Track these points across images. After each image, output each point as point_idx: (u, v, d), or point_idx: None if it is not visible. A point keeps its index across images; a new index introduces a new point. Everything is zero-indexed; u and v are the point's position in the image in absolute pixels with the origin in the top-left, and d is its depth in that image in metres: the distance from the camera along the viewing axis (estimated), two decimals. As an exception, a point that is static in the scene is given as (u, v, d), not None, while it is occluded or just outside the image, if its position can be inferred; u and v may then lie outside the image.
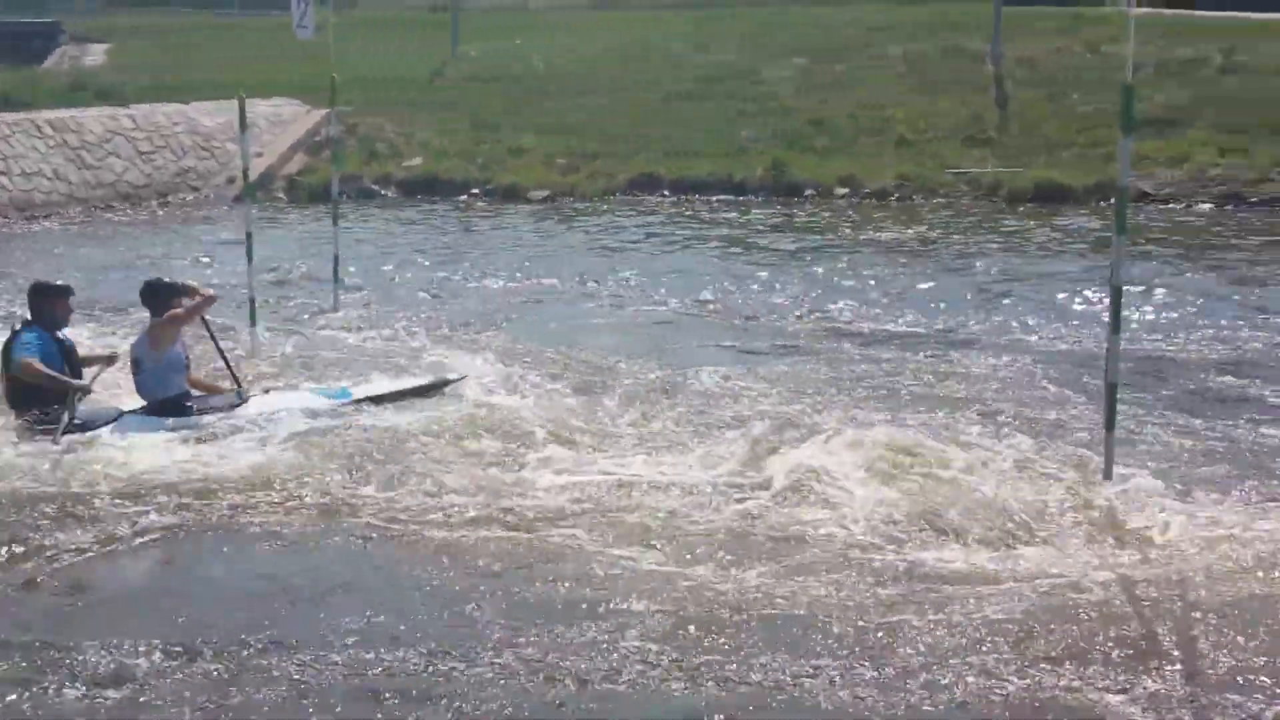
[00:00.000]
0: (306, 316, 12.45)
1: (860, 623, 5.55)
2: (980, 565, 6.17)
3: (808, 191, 20.92)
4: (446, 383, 9.20)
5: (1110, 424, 7.09)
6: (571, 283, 14.09)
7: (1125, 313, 10.85)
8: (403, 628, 5.58)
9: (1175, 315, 11.78)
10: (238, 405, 8.51)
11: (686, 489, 7.15)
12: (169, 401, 8.36)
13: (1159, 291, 12.77)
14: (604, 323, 12.14)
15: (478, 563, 6.25)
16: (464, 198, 21.26)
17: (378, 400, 8.76)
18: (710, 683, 5.07)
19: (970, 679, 5.07)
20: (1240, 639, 5.35)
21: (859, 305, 12.55)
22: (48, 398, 8.13)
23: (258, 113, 23.25)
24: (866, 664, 5.20)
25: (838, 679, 5.09)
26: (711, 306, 12.74)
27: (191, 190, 21.61)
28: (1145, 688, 4.99)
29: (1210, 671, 5.12)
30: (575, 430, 8.16)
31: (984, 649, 5.31)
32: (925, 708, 4.90)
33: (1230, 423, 8.39)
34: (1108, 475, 7.09)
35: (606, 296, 13.39)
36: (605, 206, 20.37)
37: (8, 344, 8.30)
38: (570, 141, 23.26)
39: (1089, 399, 8.72)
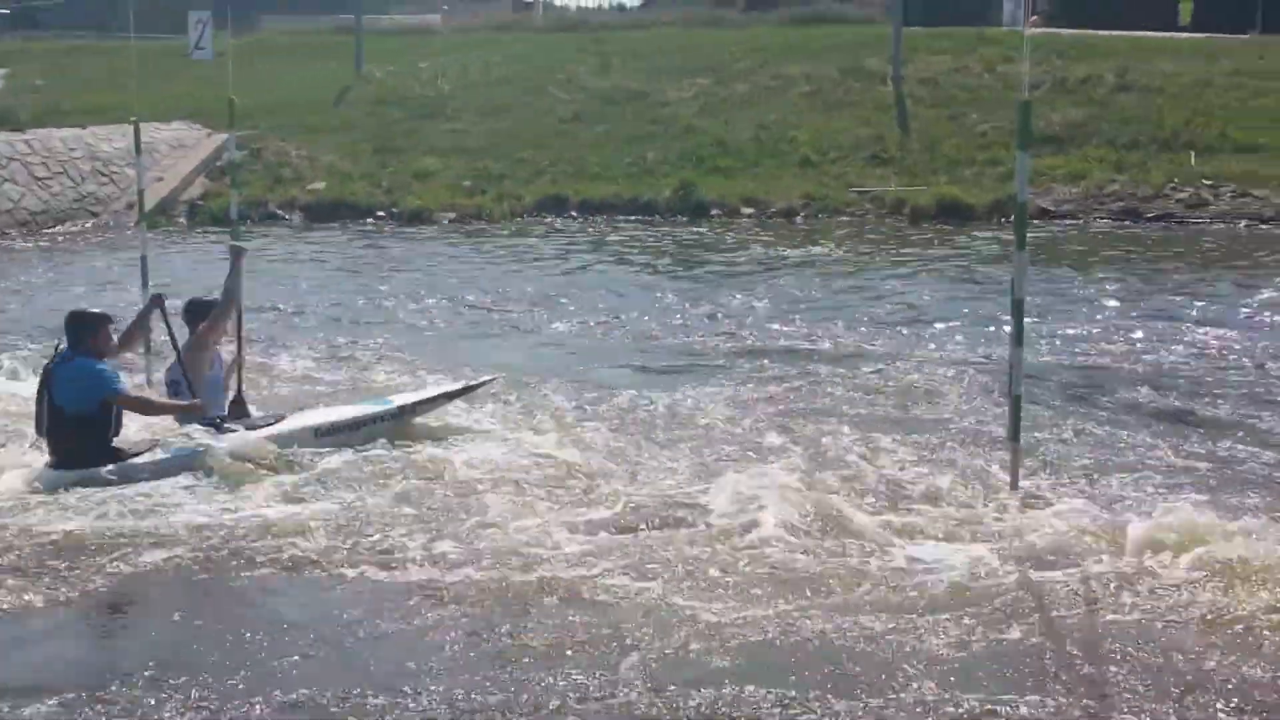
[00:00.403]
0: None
1: (756, 635, 5.55)
2: (885, 571, 6.20)
3: (714, 212, 21.06)
4: (480, 385, 9.24)
5: (1015, 434, 7.18)
6: (488, 305, 13.95)
7: (1028, 326, 11.10)
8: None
9: (1077, 327, 11.98)
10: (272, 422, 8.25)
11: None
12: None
13: (1061, 305, 13.01)
14: (520, 343, 12.06)
15: (465, 605, 6.03)
16: (370, 221, 21.11)
17: (418, 407, 8.73)
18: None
19: (863, 687, 5.09)
20: (1142, 646, 5.42)
21: (771, 323, 12.59)
22: (97, 433, 7.64)
23: (158, 137, 22.92)
24: (760, 675, 5.19)
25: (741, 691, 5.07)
26: (627, 327, 12.66)
27: (91, 216, 21.20)
28: (1050, 699, 5.03)
29: (1113, 678, 5.18)
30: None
31: (884, 653, 5.34)
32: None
33: (1134, 430, 8.53)
34: (1014, 485, 7.17)
35: (520, 318, 13.27)
36: (514, 228, 20.33)
37: (65, 377, 7.61)
38: (476, 163, 23.20)
39: (994, 410, 8.83)
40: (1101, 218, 19.65)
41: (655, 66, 27.83)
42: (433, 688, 5.13)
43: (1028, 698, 5.00)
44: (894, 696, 5.04)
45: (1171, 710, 4.91)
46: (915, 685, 5.11)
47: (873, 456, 8.01)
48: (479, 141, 24.33)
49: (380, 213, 21.44)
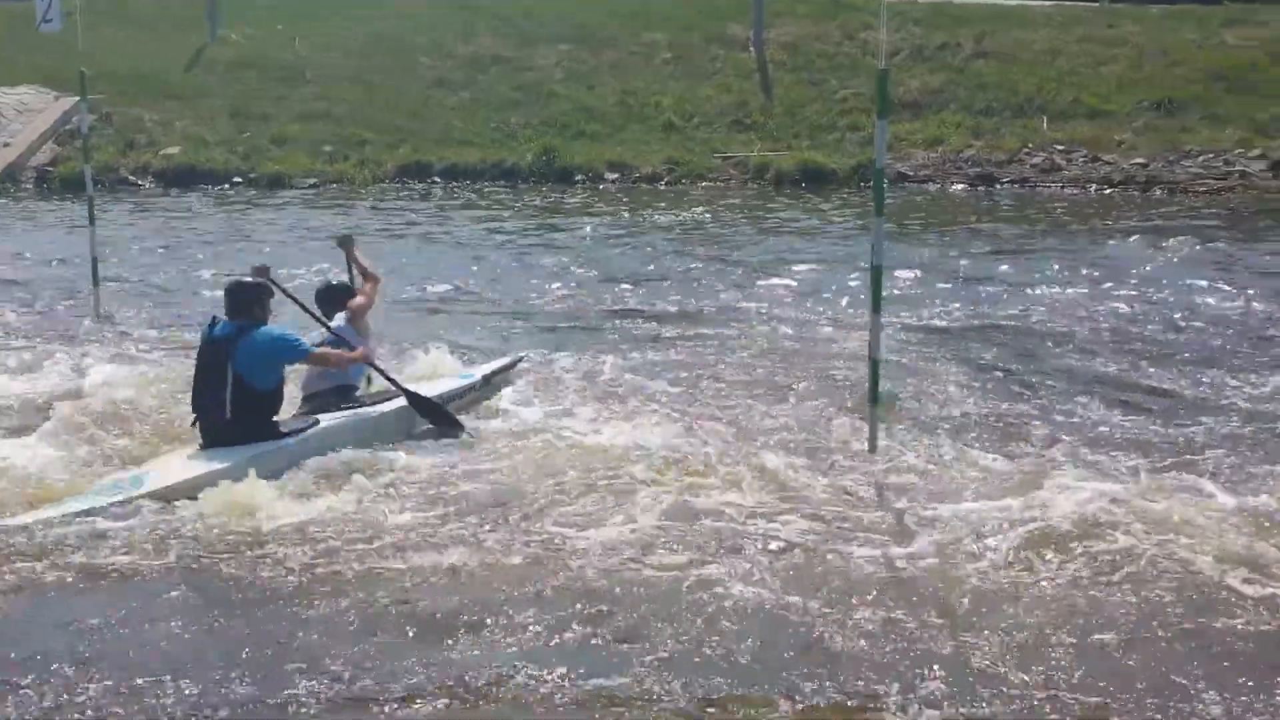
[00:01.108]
0: (63, 326, 11.35)
1: (601, 605, 5.58)
2: (746, 533, 6.27)
3: (578, 177, 21.05)
4: (517, 362, 9.37)
5: (874, 398, 7.31)
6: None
7: (893, 290, 11.35)
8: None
9: (936, 290, 12.22)
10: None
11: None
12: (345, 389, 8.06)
13: (920, 269, 13.25)
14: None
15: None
16: (226, 187, 20.67)
17: (493, 377, 8.89)
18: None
19: (711, 647, 5.16)
20: (998, 606, 5.57)
21: (636, 287, 12.64)
22: (274, 406, 7.43)
23: (3, 102, 22.17)
24: (600, 638, 5.24)
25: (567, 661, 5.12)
26: (489, 293, 12.61)
27: (-67, 184, 20.46)
28: (901, 653, 5.16)
29: (972, 640, 5.32)
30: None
31: (741, 616, 5.42)
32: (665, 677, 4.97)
33: (990, 392, 8.73)
34: (872, 448, 7.30)
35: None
36: (375, 194, 20.09)
37: (251, 348, 7.21)
38: (337, 129, 22.85)
39: (854, 374, 8.96)
40: (958, 182, 20.06)
41: (522, 31, 27.60)
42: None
43: (890, 652, 5.12)
44: (695, 649, 5.12)
45: (1018, 666, 5.07)
46: (716, 639, 5.20)
47: (733, 418, 8.10)
48: (341, 107, 23.93)
49: (237, 179, 21.01)
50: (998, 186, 19.78)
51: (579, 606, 5.51)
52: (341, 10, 29.65)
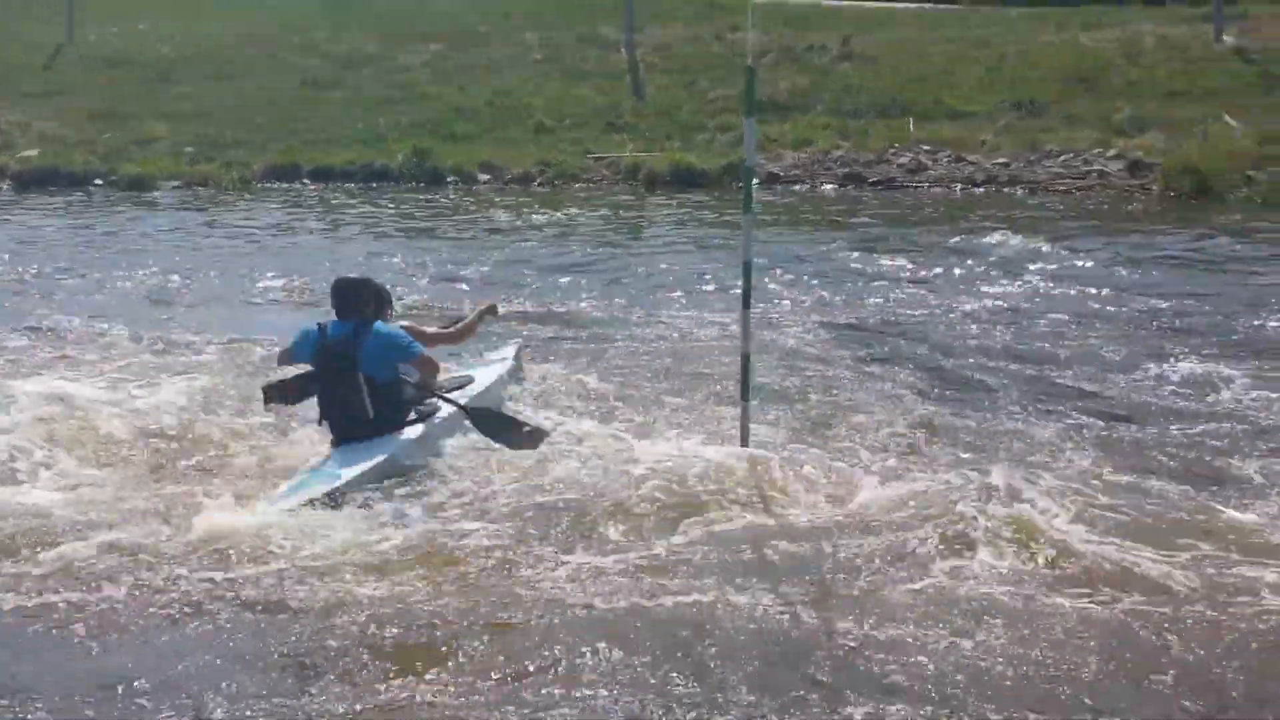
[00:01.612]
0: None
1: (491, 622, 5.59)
2: (625, 530, 6.31)
3: (450, 178, 20.91)
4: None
5: (745, 394, 7.38)
6: (209, 278, 13.52)
7: (759, 287, 11.46)
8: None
9: (804, 287, 12.37)
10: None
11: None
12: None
13: (793, 266, 13.41)
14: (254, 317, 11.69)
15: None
16: (90, 189, 20.16)
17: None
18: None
19: (585, 650, 5.19)
20: (867, 593, 5.68)
21: (515, 288, 12.63)
22: (401, 397, 7.49)
23: None
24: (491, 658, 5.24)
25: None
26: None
27: None
28: (769, 639, 5.23)
29: (849, 623, 5.41)
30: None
31: (600, 609, 5.46)
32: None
33: (855, 386, 8.87)
34: (744, 443, 7.37)
35: (250, 290, 12.87)
36: (242, 197, 19.75)
37: (375, 346, 7.34)
38: (203, 130, 22.43)
39: (726, 371, 9.03)
40: (827, 183, 20.30)
41: (390, 31, 27.39)
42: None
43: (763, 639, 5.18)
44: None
45: (885, 659, 5.17)
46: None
47: (602, 415, 8.14)
48: (207, 107, 23.51)
49: (98, 181, 20.51)
50: (866, 186, 20.07)
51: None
52: (207, 8, 29.17)
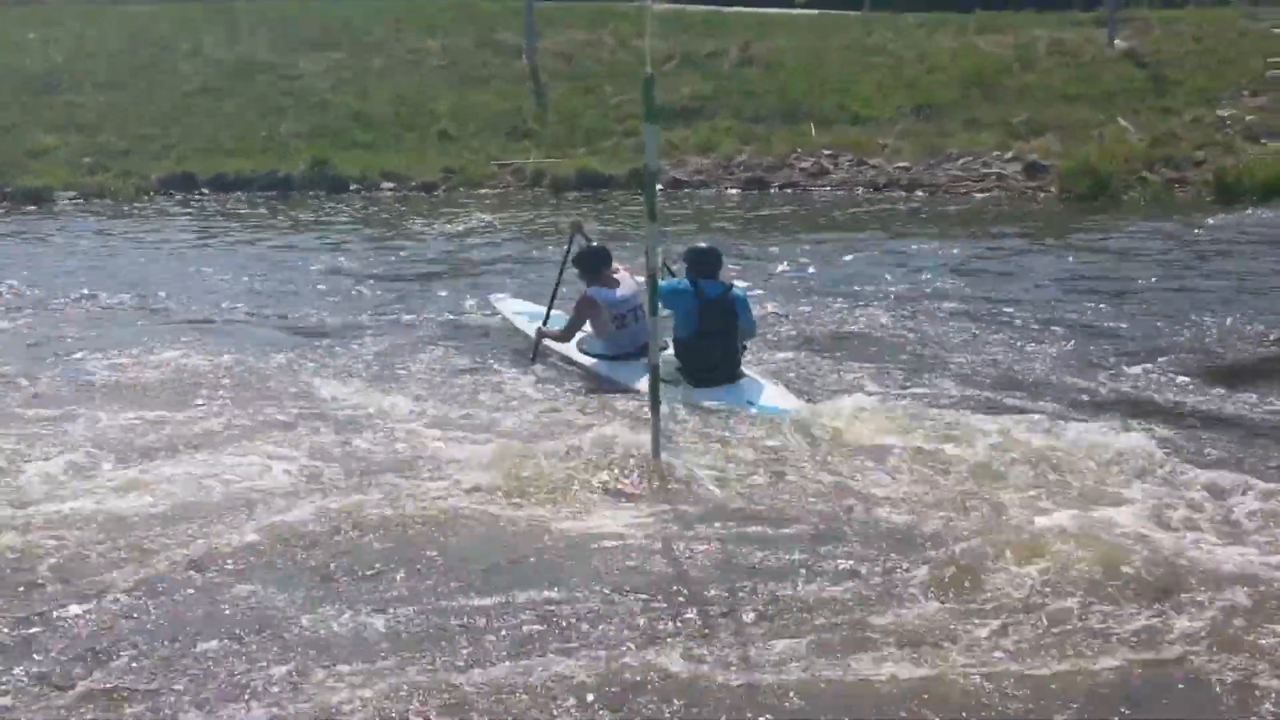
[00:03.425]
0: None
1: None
2: (538, 543, 6.27)
3: (354, 186, 20.70)
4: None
5: (655, 405, 7.34)
6: (120, 295, 12.99)
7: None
8: None
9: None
10: None
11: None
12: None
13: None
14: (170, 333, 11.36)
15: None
16: (-22, 203, 19.67)
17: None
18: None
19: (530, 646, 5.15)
20: (781, 598, 5.69)
21: (438, 293, 12.56)
22: None
23: None
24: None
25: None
26: (271, 310, 12.14)
27: None
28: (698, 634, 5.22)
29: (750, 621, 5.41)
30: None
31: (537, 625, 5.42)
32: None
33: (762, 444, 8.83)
34: (655, 454, 7.32)
35: (161, 307, 12.43)
36: (139, 207, 19.36)
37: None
38: (95, 140, 21.98)
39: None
40: (732, 187, 20.40)
41: (286, 37, 27.03)
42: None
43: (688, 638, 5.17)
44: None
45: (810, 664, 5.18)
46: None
47: (512, 427, 8.08)
48: (98, 117, 23.04)
49: (-10, 193, 20.02)
50: (770, 190, 20.20)
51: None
52: (95, 15, 28.58)
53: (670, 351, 8.96)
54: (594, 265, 9.56)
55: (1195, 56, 23.39)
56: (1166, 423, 8.08)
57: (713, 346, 8.76)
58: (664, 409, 7.36)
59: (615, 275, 9.60)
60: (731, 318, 8.80)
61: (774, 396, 8.50)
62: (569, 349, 9.66)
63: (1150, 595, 5.62)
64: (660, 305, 7.77)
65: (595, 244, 9.98)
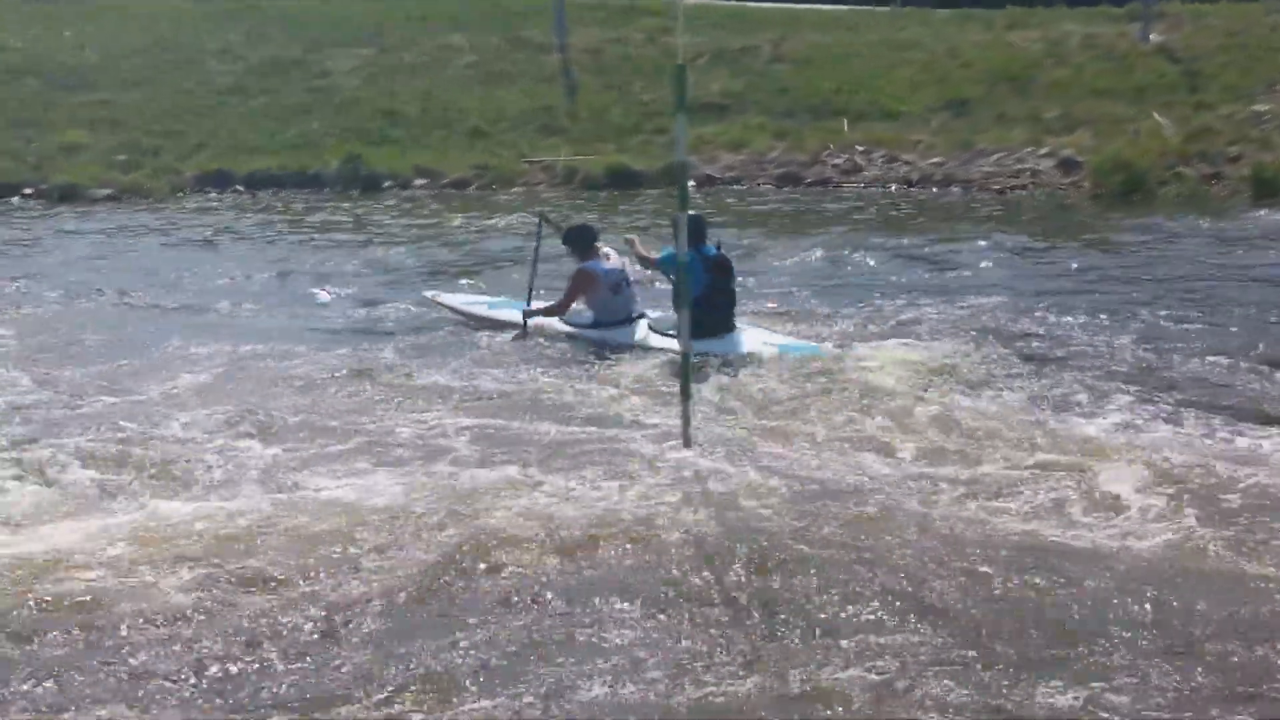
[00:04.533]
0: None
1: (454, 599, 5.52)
2: (568, 528, 6.26)
3: (386, 184, 20.76)
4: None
5: (686, 392, 7.34)
6: (151, 290, 12.97)
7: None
8: None
9: (755, 287, 12.30)
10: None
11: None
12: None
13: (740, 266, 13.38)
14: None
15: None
16: (15, 199, 19.81)
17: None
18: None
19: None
20: (812, 584, 5.66)
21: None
22: None
23: None
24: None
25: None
26: (325, 312, 12.06)
27: None
28: (741, 630, 5.20)
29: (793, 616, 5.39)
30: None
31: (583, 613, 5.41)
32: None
33: (794, 385, 8.82)
34: (686, 443, 7.32)
35: (187, 304, 12.48)
36: (176, 205, 19.48)
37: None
38: (127, 137, 22.11)
39: (669, 370, 8.99)
40: (764, 184, 20.37)
41: (315, 35, 27.15)
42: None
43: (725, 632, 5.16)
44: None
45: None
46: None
47: (551, 416, 8.08)
48: (130, 113, 23.19)
49: (27, 190, 20.16)
50: (802, 186, 20.16)
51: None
52: (127, 14, 28.76)
53: (654, 315, 10.18)
54: (586, 242, 10.30)
55: (1228, 51, 23.19)
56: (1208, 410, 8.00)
57: (720, 301, 9.73)
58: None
59: (604, 250, 10.34)
60: (730, 275, 9.90)
61: (776, 340, 9.68)
62: (561, 324, 10.27)
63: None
64: (661, 269, 9.62)
65: (583, 223, 10.99)
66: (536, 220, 11.02)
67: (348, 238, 16.48)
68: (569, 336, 10.18)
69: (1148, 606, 5.40)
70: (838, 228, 16.22)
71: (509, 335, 10.22)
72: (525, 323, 10.28)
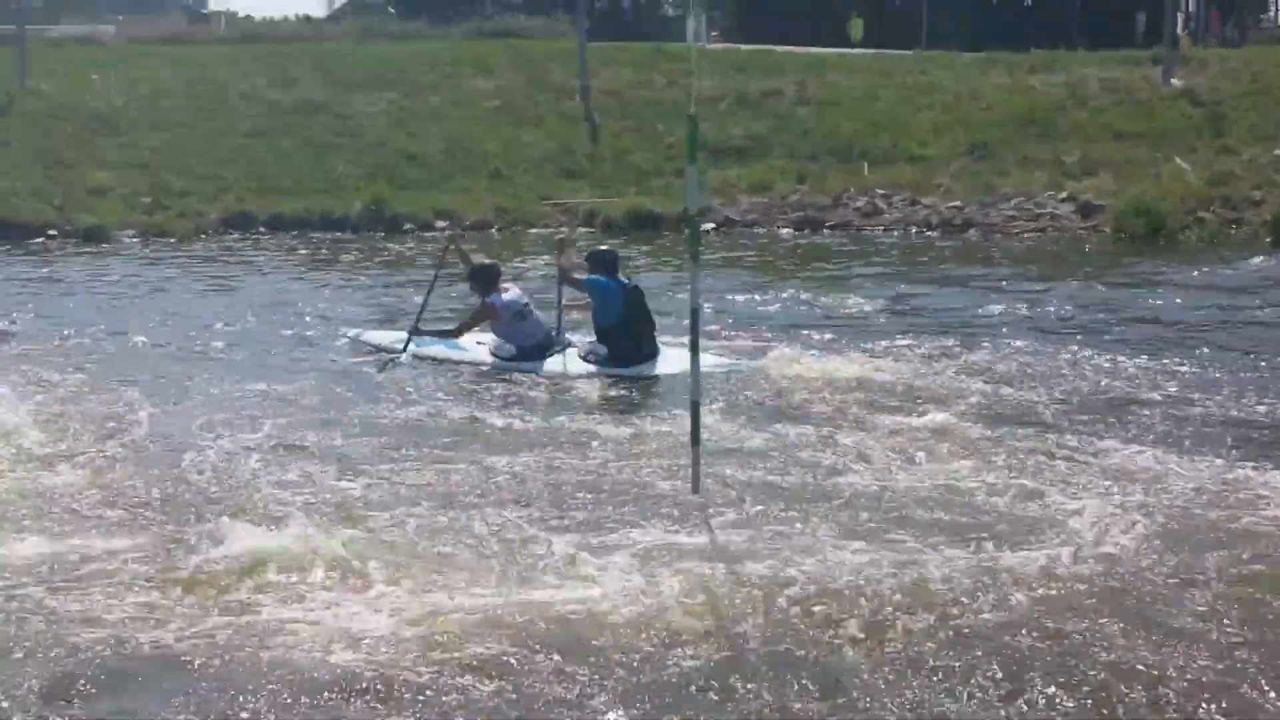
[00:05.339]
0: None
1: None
2: (566, 575, 6.24)
3: (407, 226, 20.86)
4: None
5: (695, 439, 7.33)
6: (179, 333, 12.95)
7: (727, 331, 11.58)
8: None
9: (766, 331, 12.29)
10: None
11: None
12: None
13: (747, 310, 13.40)
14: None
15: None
16: (40, 240, 19.98)
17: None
18: None
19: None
20: (810, 635, 5.63)
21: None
22: None
23: None
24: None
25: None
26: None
27: None
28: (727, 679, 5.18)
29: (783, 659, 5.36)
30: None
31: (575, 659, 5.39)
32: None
33: (804, 431, 8.78)
34: (695, 489, 7.31)
35: (226, 346, 12.49)
36: (201, 245, 19.58)
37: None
38: (153, 179, 22.30)
39: (678, 415, 8.96)
40: (784, 227, 20.40)
41: (340, 79, 27.42)
42: None
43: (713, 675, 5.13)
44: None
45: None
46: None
47: (561, 464, 8.07)
48: (156, 157, 23.37)
49: (53, 231, 20.32)
50: (823, 230, 20.18)
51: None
52: (153, 60, 29.11)
53: (577, 341, 10.96)
54: (490, 281, 11.18)
55: (1251, 96, 23.18)
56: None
57: (638, 329, 10.60)
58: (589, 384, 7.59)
59: (504, 285, 11.28)
60: (645, 304, 10.73)
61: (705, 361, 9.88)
62: (489, 357, 10.92)
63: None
64: (586, 295, 10.71)
65: (489, 262, 11.91)
66: (445, 243, 11.87)
67: (365, 278, 16.57)
68: (498, 370, 10.68)
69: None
70: (851, 267, 16.24)
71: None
72: (409, 340, 11.08)
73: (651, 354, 10.64)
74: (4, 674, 5.34)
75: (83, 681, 5.30)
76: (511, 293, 11.17)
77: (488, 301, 11.03)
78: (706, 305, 10.91)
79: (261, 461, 8.15)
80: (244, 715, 5.06)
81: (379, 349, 11.42)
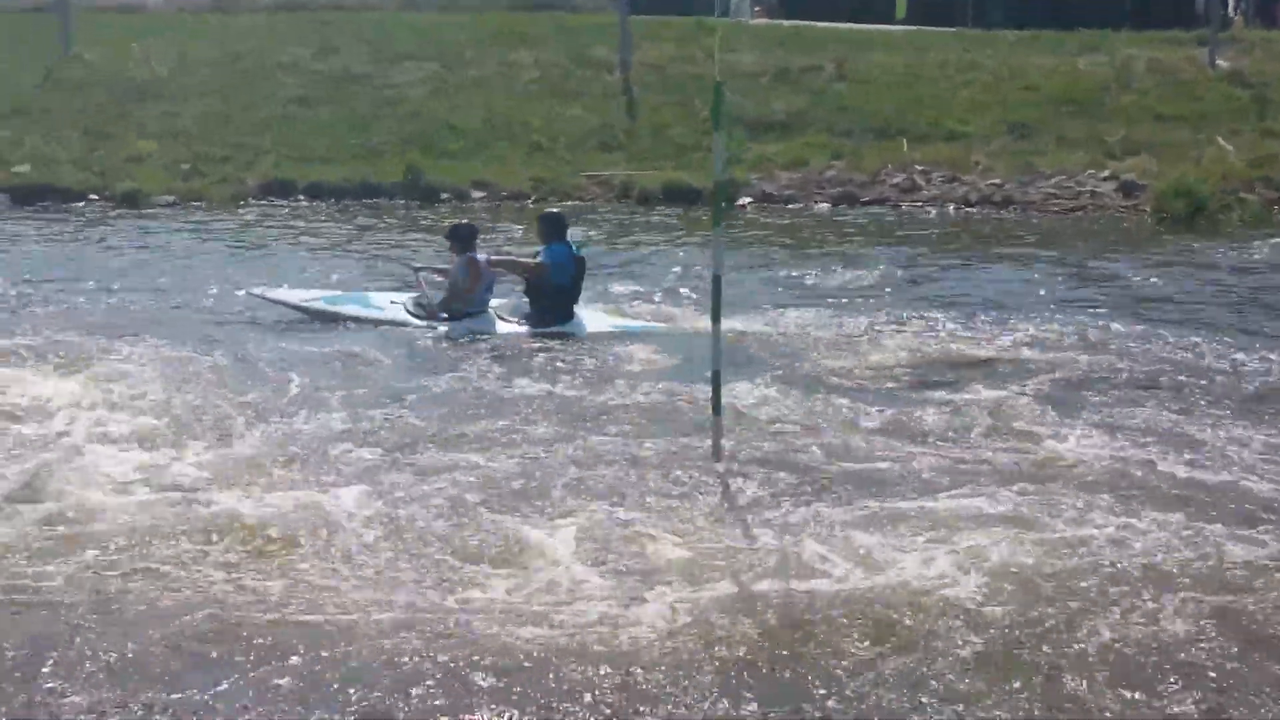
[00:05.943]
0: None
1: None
2: (596, 547, 6.27)
3: (444, 195, 20.87)
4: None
5: (717, 408, 7.34)
6: (212, 296, 13.12)
7: (743, 302, 11.55)
8: None
9: (781, 303, 12.27)
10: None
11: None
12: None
13: (768, 282, 13.39)
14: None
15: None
16: (81, 204, 20.14)
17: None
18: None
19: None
20: (845, 612, 5.63)
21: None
22: None
23: None
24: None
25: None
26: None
27: None
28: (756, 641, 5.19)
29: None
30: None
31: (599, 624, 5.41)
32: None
33: (830, 401, 8.77)
34: (716, 457, 7.33)
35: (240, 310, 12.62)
36: (237, 213, 19.69)
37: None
38: (194, 147, 22.40)
39: (698, 384, 8.95)
40: (821, 202, 20.26)
41: (381, 50, 27.43)
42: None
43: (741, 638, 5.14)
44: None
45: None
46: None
47: (583, 432, 8.09)
48: (197, 125, 23.46)
49: (93, 196, 20.48)
50: (859, 205, 20.06)
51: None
52: (195, 28, 29.20)
53: (505, 301, 11.64)
54: (468, 238, 11.66)
55: (1297, 79, 22.87)
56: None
57: (576, 290, 11.35)
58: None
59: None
60: (584, 268, 11.49)
61: (616, 321, 11.36)
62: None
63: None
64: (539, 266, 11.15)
65: (466, 221, 12.60)
66: (414, 273, 12.23)
67: (397, 243, 16.65)
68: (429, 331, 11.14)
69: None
70: (880, 243, 16.17)
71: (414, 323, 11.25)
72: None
73: (571, 315, 11.28)
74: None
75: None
76: (483, 258, 11.66)
77: (473, 257, 11.50)
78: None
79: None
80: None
81: (286, 305, 11.75)
